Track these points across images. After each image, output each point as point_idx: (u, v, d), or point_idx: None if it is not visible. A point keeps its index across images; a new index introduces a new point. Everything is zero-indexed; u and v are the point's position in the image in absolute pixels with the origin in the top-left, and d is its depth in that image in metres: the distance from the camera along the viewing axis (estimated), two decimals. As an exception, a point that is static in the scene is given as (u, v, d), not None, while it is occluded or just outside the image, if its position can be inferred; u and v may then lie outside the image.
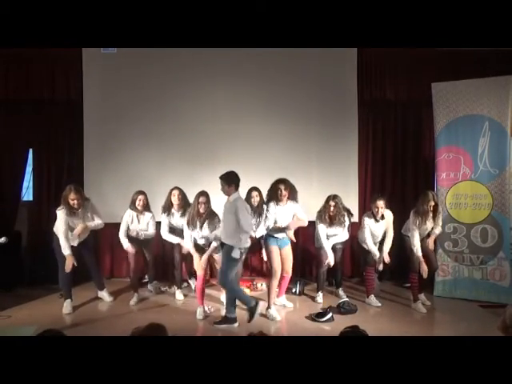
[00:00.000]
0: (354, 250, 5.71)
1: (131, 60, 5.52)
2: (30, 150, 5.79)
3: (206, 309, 4.42)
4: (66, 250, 4.30)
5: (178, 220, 4.85)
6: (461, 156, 5.04)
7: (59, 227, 4.35)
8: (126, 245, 4.74)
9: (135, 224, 4.80)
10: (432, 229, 4.65)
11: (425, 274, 4.46)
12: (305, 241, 5.76)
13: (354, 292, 5.20)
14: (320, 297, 4.88)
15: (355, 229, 5.24)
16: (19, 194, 5.75)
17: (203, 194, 4.31)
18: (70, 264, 4.28)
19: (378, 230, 4.70)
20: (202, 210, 4.28)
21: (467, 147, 5.00)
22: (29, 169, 5.79)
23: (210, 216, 4.33)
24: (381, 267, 4.89)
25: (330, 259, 4.61)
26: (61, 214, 4.35)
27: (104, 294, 4.87)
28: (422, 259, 4.47)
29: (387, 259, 4.69)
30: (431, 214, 4.52)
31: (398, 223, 4.82)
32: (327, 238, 4.70)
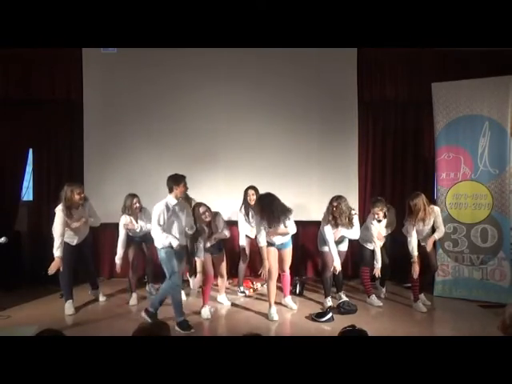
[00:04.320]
0: (353, 250, 5.70)
1: (131, 60, 5.53)
2: (30, 150, 5.79)
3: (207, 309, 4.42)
4: (57, 252, 4.09)
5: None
6: (461, 156, 5.03)
7: (56, 227, 4.19)
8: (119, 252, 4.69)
9: (133, 225, 4.69)
10: (433, 231, 4.64)
11: (415, 274, 4.46)
12: (304, 241, 5.77)
13: (354, 292, 5.20)
14: (330, 302, 4.65)
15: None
16: (19, 194, 5.75)
17: (201, 205, 4.38)
18: (54, 267, 4.05)
19: (382, 228, 4.80)
20: (207, 219, 4.34)
21: (467, 147, 4.99)
22: (29, 169, 5.79)
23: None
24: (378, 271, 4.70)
25: (336, 265, 4.41)
26: (59, 213, 4.20)
27: (97, 293, 4.86)
28: (416, 260, 4.46)
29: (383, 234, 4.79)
30: (425, 218, 4.47)
31: (398, 223, 4.82)
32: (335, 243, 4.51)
